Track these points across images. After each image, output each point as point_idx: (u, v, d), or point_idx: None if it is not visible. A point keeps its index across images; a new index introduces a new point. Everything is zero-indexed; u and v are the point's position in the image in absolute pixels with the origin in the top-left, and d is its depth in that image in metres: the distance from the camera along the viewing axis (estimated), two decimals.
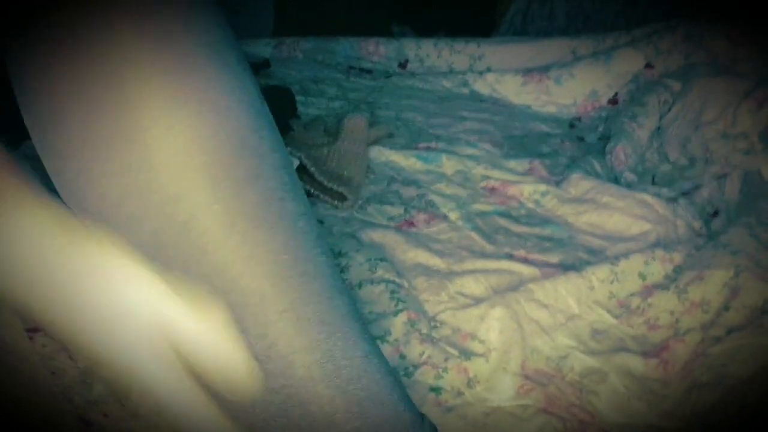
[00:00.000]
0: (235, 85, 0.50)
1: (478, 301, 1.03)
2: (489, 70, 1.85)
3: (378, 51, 1.96)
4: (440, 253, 1.13)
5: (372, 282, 1.05)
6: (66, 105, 0.47)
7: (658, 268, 1.09)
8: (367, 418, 0.53)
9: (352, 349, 0.53)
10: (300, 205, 0.53)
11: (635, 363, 0.94)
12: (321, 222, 1.21)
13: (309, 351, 0.51)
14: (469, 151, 1.48)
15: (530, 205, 1.32)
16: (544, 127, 1.67)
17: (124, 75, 0.45)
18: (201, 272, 0.48)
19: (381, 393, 0.55)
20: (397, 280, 1.07)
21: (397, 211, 1.26)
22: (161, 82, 0.46)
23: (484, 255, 1.14)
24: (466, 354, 0.94)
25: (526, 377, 0.92)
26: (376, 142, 1.48)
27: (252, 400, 0.51)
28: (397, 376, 0.65)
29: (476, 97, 1.81)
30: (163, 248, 0.48)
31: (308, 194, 1.27)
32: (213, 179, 0.47)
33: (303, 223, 0.52)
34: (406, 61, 1.94)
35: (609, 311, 1.03)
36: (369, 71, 1.93)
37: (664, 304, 1.01)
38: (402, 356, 0.94)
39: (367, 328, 0.57)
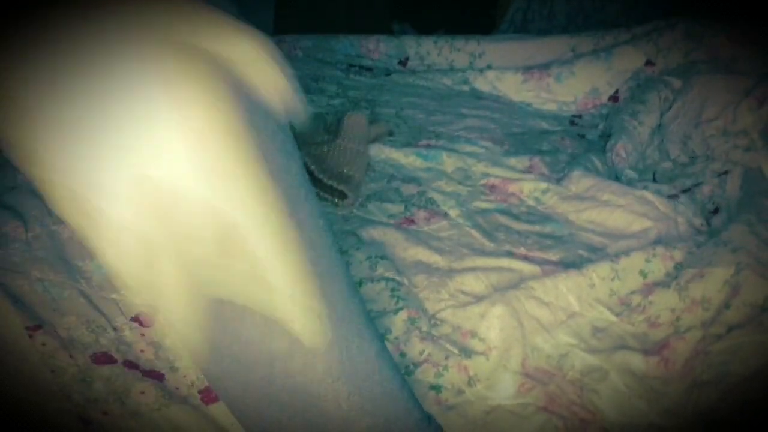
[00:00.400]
0: None
1: (478, 298, 1.03)
2: (489, 67, 1.85)
3: (378, 49, 1.95)
4: (440, 251, 1.13)
5: (372, 280, 1.05)
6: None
7: (659, 265, 1.08)
8: (379, 416, 0.54)
9: (367, 347, 0.53)
10: (319, 204, 0.53)
11: (636, 361, 0.93)
12: None
13: (329, 348, 0.51)
14: (470, 148, 1.48)
15: (531, 202, 1.32)
16: (544, 125, 1.66)
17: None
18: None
19: (393, 390, 0.55)
20: (398, 277, 1.07)
21: (397, 208, 1.26)
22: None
23: (484, 252, 1.14)
24: (467, 352, 0.94)
25: (527, 375, 0.92)
26: (376, 139, 1.48)
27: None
28: (402, 375, 0.65)
29: (476, 95, 1.80)
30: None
31: None
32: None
33: (323, 222, 0.52)
34: (407, 58, 1.94)
35: (610, 309, 1.02)
36: (369, 69, 1.93)
37: (665, 301, 1.01)
38: (402, 354, 0.94)
39: (376, 326, 0.57)
